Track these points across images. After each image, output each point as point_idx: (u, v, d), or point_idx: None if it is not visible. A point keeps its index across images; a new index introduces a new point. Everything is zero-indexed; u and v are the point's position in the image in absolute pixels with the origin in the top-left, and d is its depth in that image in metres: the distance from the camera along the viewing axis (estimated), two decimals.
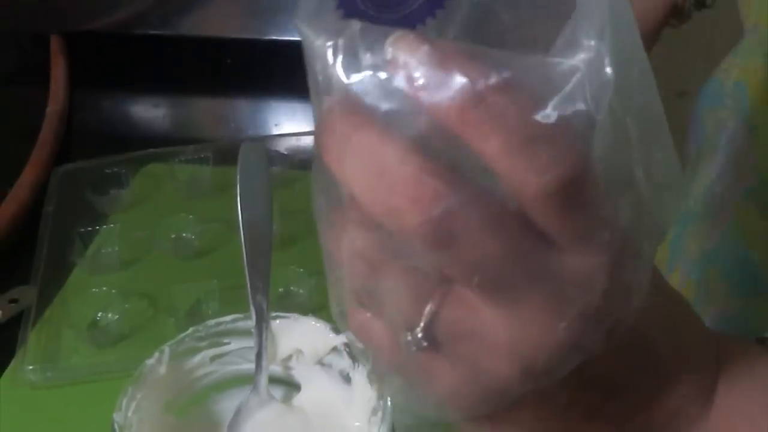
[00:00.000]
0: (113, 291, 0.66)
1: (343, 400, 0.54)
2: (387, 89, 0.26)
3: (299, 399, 0.56)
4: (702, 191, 0.63)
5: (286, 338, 0.55)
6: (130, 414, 0.49)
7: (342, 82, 0.27)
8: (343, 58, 0.27)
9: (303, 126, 0.83)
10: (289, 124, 0.86)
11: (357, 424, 0.52)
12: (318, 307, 0.65)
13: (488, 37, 0.29)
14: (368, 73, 0.26)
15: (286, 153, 0.78)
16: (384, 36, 0.26)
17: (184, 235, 0.71)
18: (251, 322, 0.55)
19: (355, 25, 0.27)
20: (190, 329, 0.55)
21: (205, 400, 0.55)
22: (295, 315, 0.55)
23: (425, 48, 0.26)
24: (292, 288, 0.67)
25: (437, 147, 0.26)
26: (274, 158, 0.78)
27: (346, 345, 0.54)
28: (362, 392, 0.53)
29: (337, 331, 0.54)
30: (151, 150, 0.78)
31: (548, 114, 0.26)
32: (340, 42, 0.27)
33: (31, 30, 0.93)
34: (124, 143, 0.82)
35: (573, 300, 0.28)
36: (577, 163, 0.26)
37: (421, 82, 0.26)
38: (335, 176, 0.27)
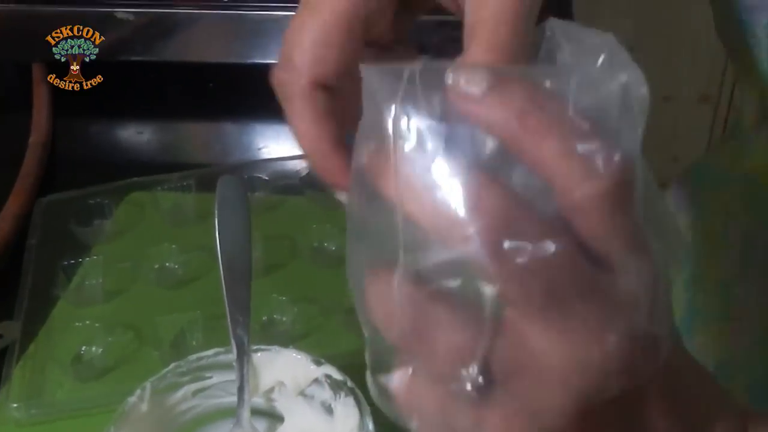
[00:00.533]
0: (97, 324, 0.66)
1: (326, 431, 0.54)
2: (444, 112, 0.29)
3: (282, 431, 0.56)
4: (716, 287, 0.59)
5: (268, 370, 0.56)
6: None
7: (401, 106, 0.29)
8: (404, 92, 0.29)
9: (287, 150, 0.83)
10: (274, 147, 0.86)
11: None
12: (301, 336, 0.66)
13: None
14: (429, 98, 0.29)
15: (267, 179, 0.78)
16: (443, 71, 0.29)
17: (167, 264, 0.71)
18: (233, 356, 0.55)
19: (417, 63, 0.29)
20: (172, 365, 0.55)
21: None
22: (276, 347, 0.56)
23: (483, 70, 0.28)
24: (275, 316, 0.67)
25: (495, 168, 0.29)
26: (258, 184, 0.78)
27: (327, 376, 0.54)
28: (344, 423, 0.53)
29: (318, 362, 0.55)
30: (135, 179, 0.78)
31: (601, 123, 0.28)
32: (405, 72, 0.29)
33: (12, 59, 0.93)
34: (108, 171, 0.81)
35: (621, 318, 0.29)
36: (625, 170, 0.28)
37: (479, 97, 0.28)
38: (391, 209, 0.29)
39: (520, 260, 0.28)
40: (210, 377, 0.56)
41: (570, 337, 0.29)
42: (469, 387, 0.30)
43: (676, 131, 1.66)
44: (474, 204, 0.28)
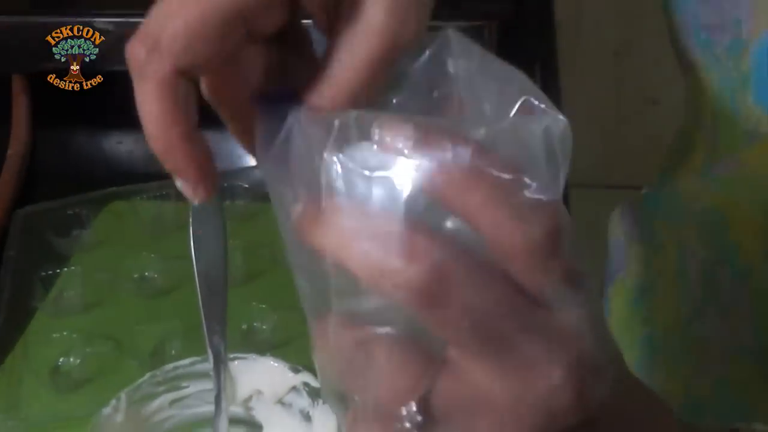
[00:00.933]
0: (74, 335, 0.65)
1: None
2: (375, 163, 0.29)
3: None
4: (675, 325, 0.57)
5: (246, 379, 0.55)
6: None
7: (334, 154, 0.29)
8: (336, 136, 0.30)
9: None
10: (252, 156, 0.85)
11: None
12: (281, 343, 0.65)
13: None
14: (361, 148, 0.29)
15: (248, 186, 0.77)
16: (374, 120, 0.29)
17: (147, 274, 0.71)
18: (209, 365, 0.54)
19: (351, 113, 0.30)
20: (147, 375, 0.54)
21: None
22: (254, 355, 0.55)
23: (409, 125, 0.28)
24: (255, 324, 0.66)
25: (426, 216, 0.29)
26: (238, 192, 0.77)
27: (305, 384, 0.54)
28: (322, 430, 0.53)
29: (296, 370, 0.54)
30: (113, 188, 0.77)
31: (526, 170, 0.29)
32: (336, 123, 0.30)
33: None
34: (88, 181, 0.81)
35: (564, 351, 0.29)
36: (557, 216, 0.28)
37: (406, 154, 0.28)
38: (322, 254, 0.29)
39: (454, 305, 0.28)
40: (186, 386, 0.56)
41: (515, 374, 0.29)
42: (408, 425, 0.30)
43: (663, 134, 1.65)
44: (404, 251, 0.28)
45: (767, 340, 0.50)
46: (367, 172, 0.29)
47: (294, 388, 0.55)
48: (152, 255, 0.71)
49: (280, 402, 0.55)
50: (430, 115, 0.34)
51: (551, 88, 0.96)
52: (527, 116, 0.30)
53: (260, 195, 0.77)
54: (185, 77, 0.34)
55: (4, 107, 0.88)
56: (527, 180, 0.28)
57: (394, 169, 0.29)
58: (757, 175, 0.49)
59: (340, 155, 0.29)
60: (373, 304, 0.29)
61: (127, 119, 0.91)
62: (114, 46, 0.87)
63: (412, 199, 0.29)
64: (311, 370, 0.55)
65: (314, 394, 0.54)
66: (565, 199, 0.38)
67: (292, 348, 0.64)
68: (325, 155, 0.29)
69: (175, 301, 0.69)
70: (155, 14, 0.34)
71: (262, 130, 0.34)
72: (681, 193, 0.56)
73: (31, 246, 0.73)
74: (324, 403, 0.53)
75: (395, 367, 0.30)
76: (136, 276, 0.71)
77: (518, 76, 0.31)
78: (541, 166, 0.29)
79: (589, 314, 0.30)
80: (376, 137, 0.29)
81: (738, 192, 0.51)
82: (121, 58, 0.35)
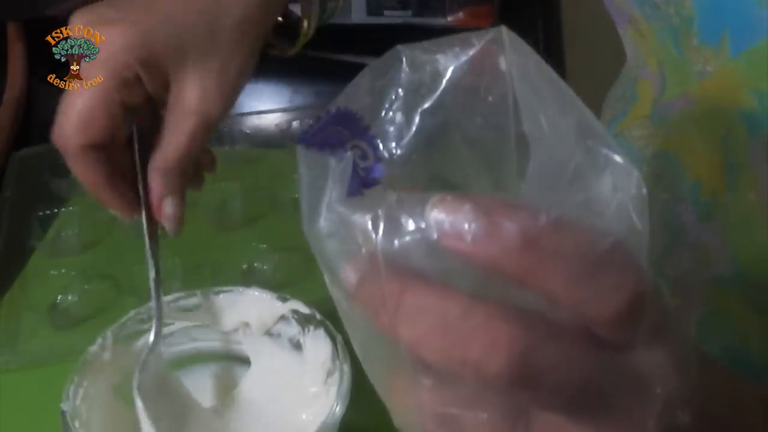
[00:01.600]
0: (73, 273, 0.64)
1: (296, 368, 0.53)
2: (435, 250, 0.27)
3: (250, 375, 0.55)
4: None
5: (231, 312, 0.54)
6: (78, 402, 0.48)
7: (387, 248, 0.27)
8: (385, 227, 0.27)
9: (266, 105, 0.82)
10: (253, 102, 0.85)
11: (313, 389, 0.51)
12: (282, 284, 0.64)
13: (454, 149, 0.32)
14: (415, 235, 0.27)
15: (248, 131, 0.77)
16: (421, 202, 0.27)
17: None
18: (194, 300, 0.54)
19: (392, 196, 0.27)
20: (132, 312, 0.53)
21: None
22: (240, 288, 0.54)
23: (468, 206, 0.26)
24: (255, 264, 0.66)
25: (493, 294, 0.27)
26: (239, 137, 0.77)
27: (294, 312, 0.53)
28: (315, 357, 0.51)
29: (283, 299, 0.53)
30: None
31: (603, 241, 0.27)
32: (381, 212, 0.27)
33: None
34: None
35: (654, 394, 0.28)
36: (639, 280, 0.27)
37: (471, 237, 0.26)
38: (394, 342, 0.27)
39: (543, 383, 0.27)
40: (171, 323, 0.54)
41: (604, 424, 0.28)
42: None
43: None
44: (485, 342, 0.26)
45: (744, 266, 0.50)
46: (426, 259, 0.27)
47: (282, 318, 0.53)
48: None
49: (268, 333, 0.54)
50: (488, 116, 0.32)
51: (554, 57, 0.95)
52: (596, 175, 0.28)
53: (260, 140, 0.77)
54: (92, 148, 0.47)
55: (0, 54, 0.87)
56: (607, 248, 0.27)
57: (458, 258, 0.27)
58: (708, 108, 0.48)
59: (396, 250, 0.27)
60: (462, 391, 0.28)
61: None
62: None
63: (482, 283, 0.27)
64: (299, 297, 0.53)
65: (304, 321, 0.52)
66: None
67: (295, 289, 0.64)
68: (379, 251, 0.27)
69: (173, 239, 0.68)
70: (60, 107, 0.48)
71: (306, 183, 0.31)
72: (630, 140, 0.55)
73: (28, 188, 0.72)
74: (316, 329, 0.52)
75: None
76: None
77: (573, 97, 0.29)
78: (621, 229, 0.27)
79: (674, 348, 0.29)
80: (431, 219, 0.27)
81: (690, 129, 0.50)
82: None
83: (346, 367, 0.48)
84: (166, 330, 0.53)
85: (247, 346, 0.55)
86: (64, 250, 0.67)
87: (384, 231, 0.27)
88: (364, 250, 0.27)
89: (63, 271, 0.64)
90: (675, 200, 0.52)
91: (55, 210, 0.69)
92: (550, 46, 1.04)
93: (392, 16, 0.92)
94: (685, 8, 0.47)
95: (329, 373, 0.50)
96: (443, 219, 0.27)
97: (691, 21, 0.47)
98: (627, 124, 0.58)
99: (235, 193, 0.72)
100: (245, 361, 0.55)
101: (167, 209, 0.50)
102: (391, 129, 0.32)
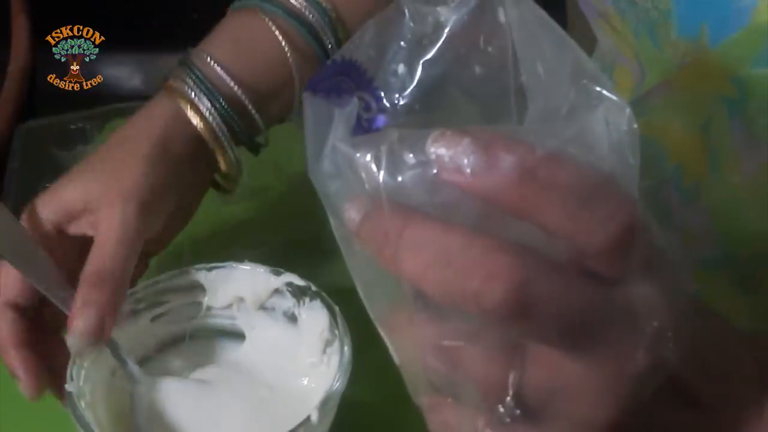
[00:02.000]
0: None
1: (292, 340, 0.53)
2: (435, 184, 0.28)
3: (245, 349, 0.55)
4: None
5: (225, 287, 0.54)
6: (81, 383, 0.48)
7: (390, 183, 0.28)
8: (387, 163, 0.28)
9: None
10: None
11: (311, 360, 0.51)
12: (288, 258, 0.64)
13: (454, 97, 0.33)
14: (416, 170, 0.28)
15: None
16: (421, 138, 0.28)
17: None
18: (187, 278, 0.54)
19: (393, 133, 0.28)
20: (128, 292, 0.53)
21: (151, 361, 0.54)
22: (232, 263, 0.54)
23: (467, 140, 0.27)
24: (262, 237, 0.66)
25: (491, 229, 0.28)
26: None
27: (289, 284, 0.53)
28: (311, 327, 0.52)
29: (277, 272, 0.53)
30: (116, 105, 0.77)
31: (596, 173, 0.28)
32: (383, 148, 0.28)
33: None
34: (90, 100, 0.80)
35: (644, 327, 0.29)
36: (631, 212, 0.28)
37: (470, 170, 0.27)
38: (397, 276, 0.28)
39: (540, 314, 0.27)
40: (167, 302, 0.54)
41: (604, 359, 0.29)
42: (508, 420, 0.30)
43: None
44: (484, 274, 0.27)
45: (730, 247, 0.50)
46: (428, 194, 0.28)
47: (276, 291, 0.53)
48: None
49: (263, 308, 0.54)
50: (487, 68, 0.32)
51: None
52: (589, 111, 0.29)
53: None
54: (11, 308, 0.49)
55: (3, 26, 0.87)
56: (600, 181, 0.28)
57: (458, 191, 0.28)
58: (688, 95, 0.49)
59: (398, 185, 0.28)
60: (461, 320, 0.29)
61: (130, 39, 0.91)
62: None
63: (481, 217, 0.28)
64: (293, 271, 0.53)
65: (299, 293, 0.52)
66: None
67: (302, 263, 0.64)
68: (382, 186, 0.28)
69: None
70: None
71: (311, 126, 0.32)
72: None
73: (35, 159, 0.72)
74: (312, 300, 0.52)
75: (483, 367, 0.29)
76: None
77: (569, 42, 0.30)
78: (612, 164, 0.28)
79: (665, 283, 0.30)
80: (432, 154, 0.27)
81: (670, 115, 0.50)
82: None
83: (347, 339, 0.48)
84: (161, 309, 0.54)
85: (241, 321, 0.55)
86: None
87: (386, 167, 0.28)
88: (367, 186, 0.28)
89: None
90: (658, 185, 0.52)
91: None
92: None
93: None
94: (662, 2, 0.48)
95: (328, 343, 0.50)
96: (443, 153, 0.27)
97: (668, 14, 0.48)
98: None
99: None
100: (240, 336, 0.55)
101: (78, 323, 0.48)
102: (394, 80, 0.33)
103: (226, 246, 0.66)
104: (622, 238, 0.28)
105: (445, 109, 0.34)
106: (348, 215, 0.29)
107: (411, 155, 0.28)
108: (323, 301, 0.51)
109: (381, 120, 0.33)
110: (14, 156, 0.72)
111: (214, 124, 0.54)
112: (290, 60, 0.56)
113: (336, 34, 0.57)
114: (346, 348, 0.48)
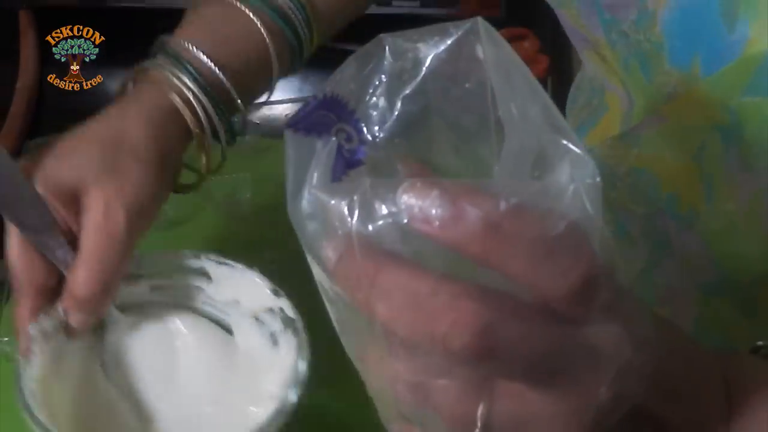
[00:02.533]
0: None
1: (267, 361, 0.54)
2: (406, 233, 0.29)
3: (233, 341, 0.57)
4: (632, 280, 0.57)
5: (226, 285, 0.56)
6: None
7: (362, 231, 0.29)
8: (360, 211, 0.29)
9: (275, 95, 0.82)
10: None
11: (271, 388, 0.52)
12: (288, 274, 0.65)
13: (433, 131, 0.34)
14: (387, 220, 0.29)
15: (258, 122, 0.78)
16: (393, 188, 0.29)
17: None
18: (197, 262, 0.56)
19: (365, 182, 0.29)
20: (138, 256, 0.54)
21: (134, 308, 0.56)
22: (241, 266, 0.55)
23: (435, 191, 0.28)
24: (265, 254, 0.67)
25: (461, 272, 0.29)
26: (249, 127, 0.78)
27: (281, 309, 0.54)
28: (284, 358, 0.53)
29: (276, 293, 0.54)
30: None
31: (558, 225, 0.29)
32: (356, 198, 0.29)
33: None
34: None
35: (606, 364, 0.30)
36: (591, 261, 0.29)
37: (438, 221, 0.28)
38: (369, 317, 0.29)
39: (505, 355, 0.29)
40: (170, 278, 0.56)
41: (567, 393, 0.30)
42: None
43: None
44: (451, 319, 0.28)
45: (728, 273, 0.51)
46: (398, 239, 0.29)
47: (270, 310, 0.54)
48: None
49: (255, 317, 0.55)
50: (466, 99, 0.33)
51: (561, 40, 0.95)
52: (555, 163, 0.30)
53: (269, 130, 0.78)
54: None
55: (12, 42, 0.88)
56: (562, 232, 0.29)
57: (424, 239, 0.28)
58: (681, 124, 0.49)
59: (369, 233, 0.29)
60: (427, 360, 0.30)
61: (136, 55, 0.91)
62: None
63: (452, 261, 0.29)
64: (291, 297, 0.54)
65: (286, 321, 0.53)
66: None
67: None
68: (354, 234, 0.29)
69: (184, 231, 0.70)
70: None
71: (292, 164, 0.32)
72: (603, 159, 0.55)
73: None
74: (293, 335, 0.52)
75: (453, 400, 0.31)
76: None
77: (539, 90, 0.31)
78: (575, 214, 0.29)
79: (628, 320, 0.31)
80: (402, 204, 0.29)
81: (663, 145, 0.51)
82: None
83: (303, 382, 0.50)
84: (164, 282, 0.56)
85: (233, 319, 0.57)
86: None
87: (359, 216, 0.29)
88: (340, 233, 0.29)
89: None
90: (653, 213, 0.53)
91: None
92: (557, 36, 1.05)
93: (400, 6, 0.93)
94: (654, 35, 0.48)
95: (288, 384, 0.50)
96: (413, 203, 0.28)
97: (660, 46, 0.48)
98: (598, 135, 0.59)
99: (245, 184, 0.73)
100: (228, 330, 0.57)
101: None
102: (375, 113, 0.34)
103: (247, 247, 0.67)
104: (582, 288, 0.29)
105: (424, 140, 0.35)
106: (325, 254, 0.30)
107: (383, 205, 0.29)
108: (299, 342, 0.51)
109: (362, 151, 0.34)
110: None
111: (204, 120, 0.54)
112: (266, 39, 0.56)
113: (309, 23, 0.58)
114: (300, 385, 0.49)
